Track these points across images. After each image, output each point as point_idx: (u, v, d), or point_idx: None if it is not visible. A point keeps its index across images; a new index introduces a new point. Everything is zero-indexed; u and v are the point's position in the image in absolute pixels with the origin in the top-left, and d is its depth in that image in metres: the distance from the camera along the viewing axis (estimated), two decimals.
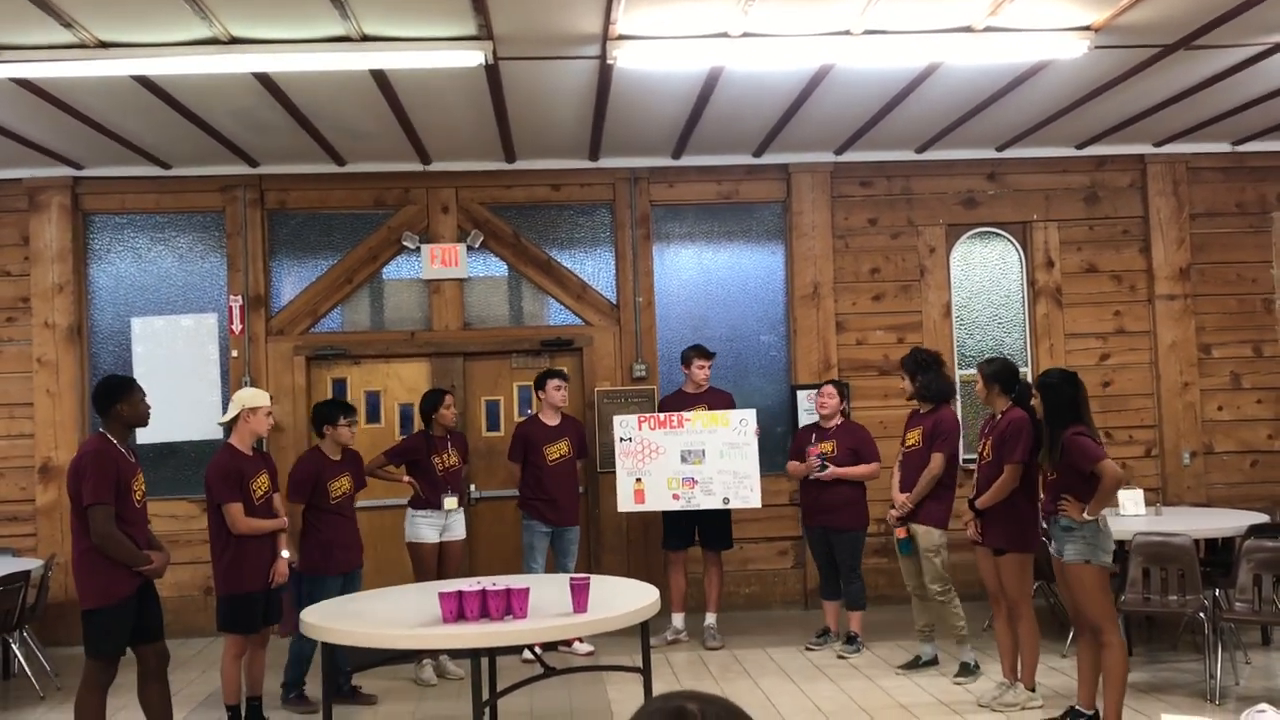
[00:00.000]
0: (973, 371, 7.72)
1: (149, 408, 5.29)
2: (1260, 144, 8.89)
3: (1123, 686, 5.22)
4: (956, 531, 6.52)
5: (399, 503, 7.28)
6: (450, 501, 7.01)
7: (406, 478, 7.06)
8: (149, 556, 5.09)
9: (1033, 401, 5.46)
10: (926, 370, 6.70)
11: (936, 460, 6.52)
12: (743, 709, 1.50)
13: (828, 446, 7.17)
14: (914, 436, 6.66)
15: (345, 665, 6.27)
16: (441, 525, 7.01)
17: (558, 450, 7.40)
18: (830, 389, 7.31)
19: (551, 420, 7.48)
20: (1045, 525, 5.54)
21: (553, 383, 7.48)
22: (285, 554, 5.94)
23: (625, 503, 7.47)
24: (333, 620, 4.81)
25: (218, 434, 7.89)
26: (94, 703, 5.04)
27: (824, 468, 7.09)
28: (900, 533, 6.62)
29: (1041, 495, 5.60)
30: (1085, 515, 5.20)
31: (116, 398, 5.13)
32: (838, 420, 7.28)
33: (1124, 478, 5.30)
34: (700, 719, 1.45)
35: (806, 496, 7.36)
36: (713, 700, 1.48)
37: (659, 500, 7.39)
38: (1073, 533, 5.25)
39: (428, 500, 6.98)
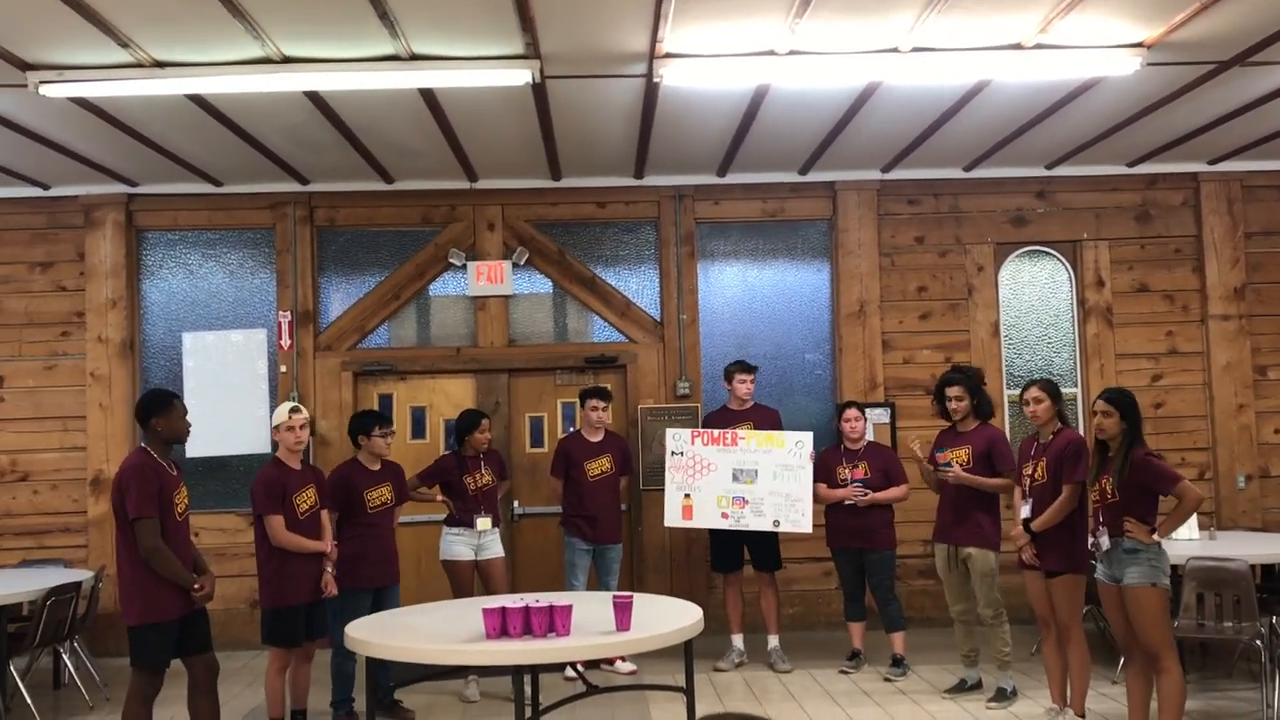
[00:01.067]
0: (1016, 392, 7.63)
1: (188, 424, 5.31)
2: None
3: (1180, 715, 5.10)
4: (1003, 554, 6.44)
5: (438, 518, 7.28)
6: (483, 522, 6.95)
7: (440, 496, 7.04)
8: (195, 579, 5.11)
9: (1104, 421, 5.22)
10: (980, 388, 6.66)
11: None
12: None
13: (861, 469, 7.12)
14: (961, 455, 6.53)
15: (384, 681, 6.31)
16: (475, 544, 6.97)
17: (599, 466, 7.38)
18: (855, 412, 7.27)
19: (594, 436, 7.47)
20: (1099, 548, 5.32)
21: (590, 403, 7.47)
22: (331, 569, 5.97)
23: (673, 518, 7.42)
24: (376, 635, 4.83)
25: (266, 448, 7.98)
26: (140, 714, 5.08)
27: (864, 493, 7.05)
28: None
29: (1094, 519, 5.44)
30: (1156, 537, 5.07)
31: (154, 412, 5.16)
32: (864, 442, 7.23)
33: (1202, 499, 5.14)
34: None
35: (835, 519, 7.27)
36: None
37: (707, 518, 7.31)
38: (1137, 555, 5.11)
39: (460, 519, 6.98)
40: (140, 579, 5.01)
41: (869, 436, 7.56)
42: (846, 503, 7.10)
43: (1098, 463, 5.32)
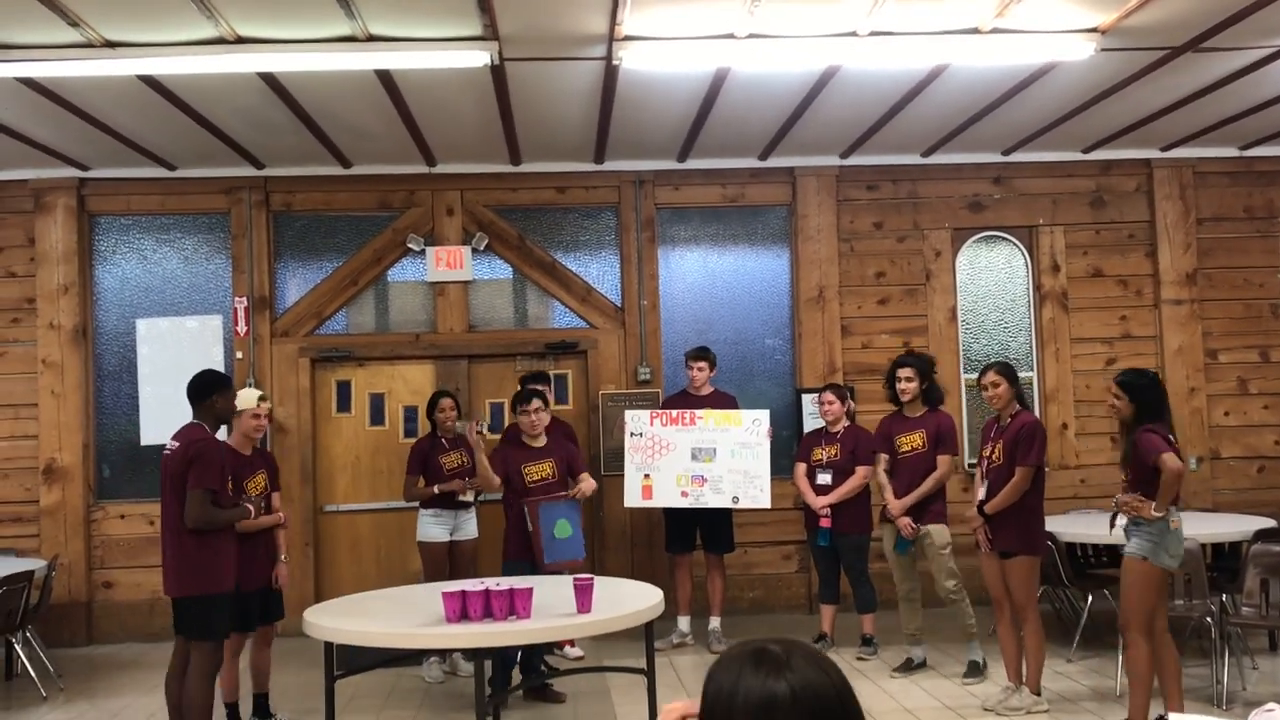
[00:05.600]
0: (973, 376, 7.72)
1: (235, 407, 5.58)
2: (1268, 149, 8.87)
3: (1148, 690, 5.17)
4: (958, 535, 6.51)
5: (395, 506, 7.25)
6: (467, 495, 7.03)
7: (455, 482, 7.02)
8: (245, 508, 5.47)
9: (1116, 402, 5.28)
10: (933, 374, 6.74)
11: (945, 463, 6.56)
12: (825, 655, 1.57)
13: (833, 450, 7.14)
14: (915, 439, 6.63)
15: (537, 665, 6.35)
16: (452, 525, 7.03)
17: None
18: (830, 395, 7.26)
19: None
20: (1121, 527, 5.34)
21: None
22: (284, 557, 5.96)
23: (633, 498, 7.45)
24: (334, 619, 4.79)
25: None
26: (209, 691, 5.21)
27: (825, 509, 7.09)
28: (909, 532, 6.58)
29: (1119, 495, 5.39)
30: (1154, 512, 5.13)
31: (218, 389, 5.39)
32: (844, 424, 7.25)
33: (1183, 470, 5.18)
34: (783, 659, 1.54)
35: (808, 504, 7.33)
36: (795, 643, 1.57)
37: (667, 496, 7.37)
38: (1140, 528, 5.16)
39: (437, 499, 6.98)
40: (202, 549, 5.16)
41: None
42: (820, 513, 7.11)
43: (1123, 445, 5.37)
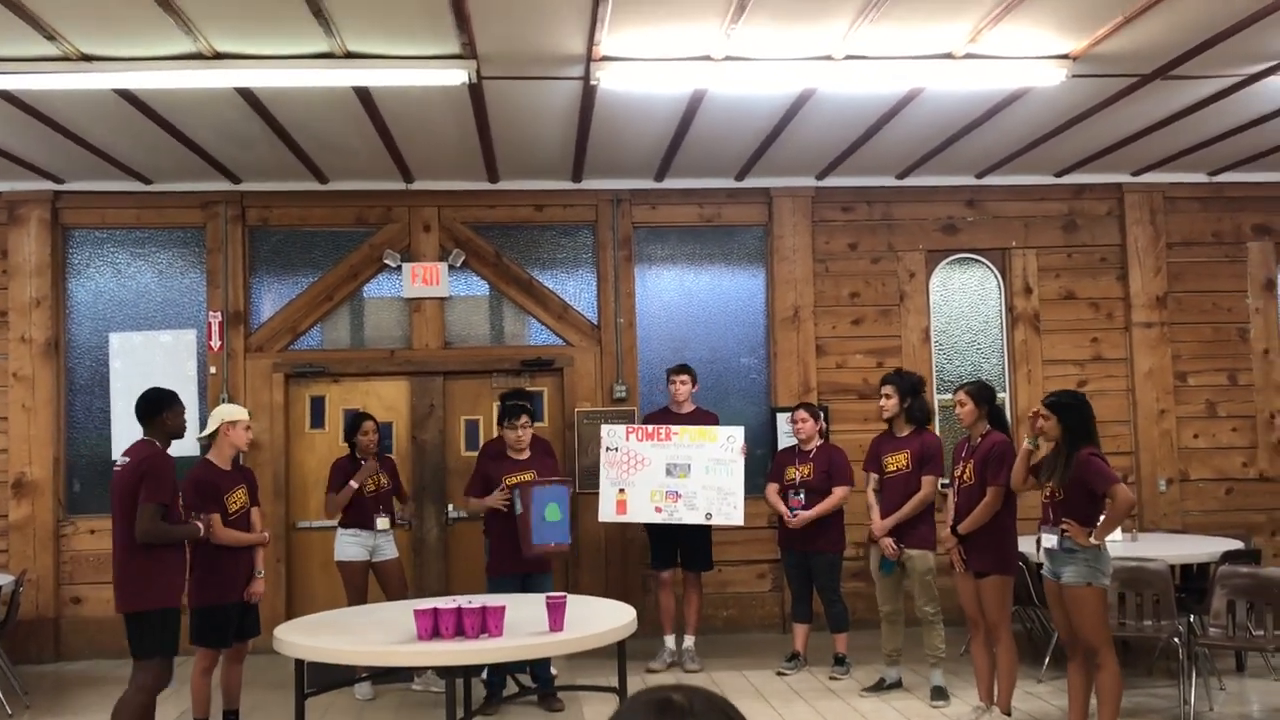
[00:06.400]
0: (949, 396, 7.78)
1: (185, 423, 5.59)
2: (1236, 175, 8.99)
3: (1117, 709, 5.22)
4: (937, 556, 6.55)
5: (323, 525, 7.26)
6: (382, 522, 7.06)
7: (353, 481, 7.07)
8: (195, 525, 5.44)
9: (1041, 423, 5.35)
10: (916, 393, 6.74)
11: (929, 484, 6.56)
12: (727, 699, 1.50)
13: (806, 470, 7.16)
14: (900, 460, 6.66)
15: (545, 673, 6.43)
16: (371, 545, 7.05)
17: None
18: (803, 413, 7.28)
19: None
20: (1043, 546, 5.40)
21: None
22: (261, 573, 5.93)
23: (607, 513, 7.44)
24: (306, 637, 4.77)
25: (194, 450, 7.82)
26: (149, 707, 5.21)
27: (794, 513, 7.08)
28: (892, 553, 6.59)
29: (1042, 516, 5.45)
30: (1091, 540, 5.17)
31: (168, 406, 5.43)
32: (817, 443, 7.28)
33: (1135, 503, 5.25)
34: (687, 708, 1.45)
35: (784, 521, 7.34)
36: (696, 690, 1.49)
37: (641, 512, 7.35)
38: (1075, 555, 5.20)
39: (355, 520, 7.02)
40: (151, 563, 5.18)
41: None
42: (788, 522, 7.13)
43: (1049, 463, 5.42)
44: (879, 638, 6.82)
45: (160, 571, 5.21)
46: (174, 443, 5.49)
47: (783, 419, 8.44)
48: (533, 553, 6.18)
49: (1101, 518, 5.27)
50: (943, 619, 6.56)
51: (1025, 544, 6.16)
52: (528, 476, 6.54)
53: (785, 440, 8.16)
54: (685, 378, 7.61)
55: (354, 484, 6.96)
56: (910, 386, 6.74)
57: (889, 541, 6.57)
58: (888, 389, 6.71)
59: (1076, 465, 5.21)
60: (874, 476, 6.79)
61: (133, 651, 5.23)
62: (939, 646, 6.52)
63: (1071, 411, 5.33)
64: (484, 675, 6.28)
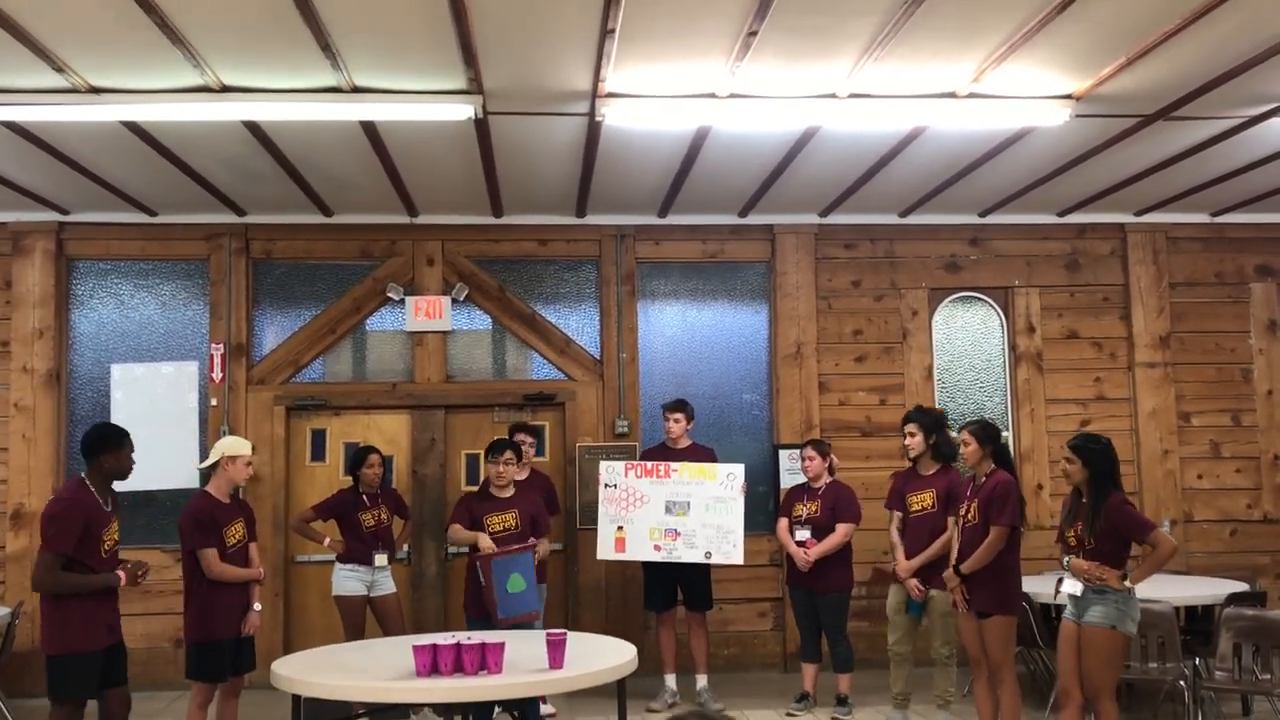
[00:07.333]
0: (954, 435, 7.73)
1: (134, 462, 5.34)
2: (1238, 216, 9.01)
3: None
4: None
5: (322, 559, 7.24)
6: (380, 558, 7.04)
7: (328, 540, 7.08)
8: (105, 577, 5.09)
9: (1068, 466, 5.33)
10: (940, 428, 6.68)
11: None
12: None
13: (813, 507, 7.10)
14: (925, 499, 6.57)
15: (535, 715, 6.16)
16: (369, 581, 7.03)
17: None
18: (811, 451, 7.24)
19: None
20: (1067, 592, 5.31)
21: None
22: (258, 606, 5.88)
23: (605, 550, 7.37)
24: (306, 673, 4.73)
25: (195, 482, 7.80)
26: None
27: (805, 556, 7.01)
28: (918, 595, 6.48)
29: (1070, 559, 5.33)
30: (1128, 584, 5.11)
31: (104, 448, 5.18)
32: (826, 480, 7.22)
33: (1175, 548, 5.20)
34: None
35: (791, 558, 7.28)
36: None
37: (640, 550, 7.29)
38: (1105, 596, 5.15)
39: (354, 555, 7.00)
40: (60, 609, 4.93)
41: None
42: (798, 564, 7.06)
43: (1071, 508, 5.37)
44: (882, 677, 6.75)
45: (68, 617, 4.97)
46: (177, 474, 5.40)
47: (785, 456, 8.42)
48: (501, 625, 5.77)
49: (1134, 561, 5.20)
50: (956, 662, 6.48)
51: (1029, 584, 6.11)
52: (509, 518, 6.37)
53: (787, 477, 8.13)
54: (680, 415, 7.57)
55: (323, 543, 7.07)
56: (934, 422, 6.68)
57: (915, 583, 6.48)
58: (911, 427, 6.63)
59: (1109, 513, 5.17)
60: (897, 515, 6.71)
61: (48, 694, 5.03)
62: (949, 690, 6.45)
63: (1098, 456, 5.29)
64: None
